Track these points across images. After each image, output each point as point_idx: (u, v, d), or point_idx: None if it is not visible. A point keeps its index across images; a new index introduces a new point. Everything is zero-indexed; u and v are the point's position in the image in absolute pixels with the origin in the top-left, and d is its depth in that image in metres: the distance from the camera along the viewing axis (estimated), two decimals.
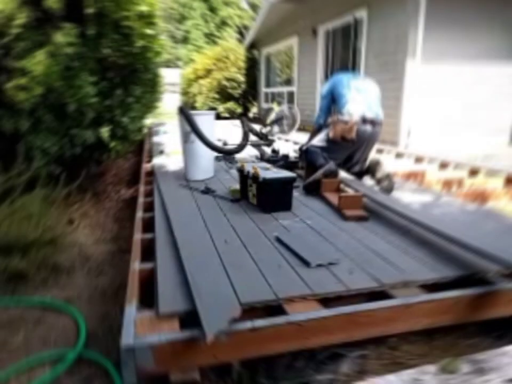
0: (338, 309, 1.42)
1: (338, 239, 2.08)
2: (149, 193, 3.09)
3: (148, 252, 2.05)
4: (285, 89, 10.18)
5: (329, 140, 3.12)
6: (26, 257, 2.16)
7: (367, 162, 3.26)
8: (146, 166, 4.10)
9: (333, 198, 2.72)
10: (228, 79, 12.18)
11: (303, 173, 3.34)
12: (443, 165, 4.29)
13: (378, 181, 3.00)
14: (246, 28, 16.35)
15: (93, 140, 3.44)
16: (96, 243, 2.86)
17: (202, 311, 1.31)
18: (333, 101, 3.26)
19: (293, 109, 4.55)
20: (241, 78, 12.37)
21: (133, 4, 3.42)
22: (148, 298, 1.59)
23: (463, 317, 1.57)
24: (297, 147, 4.21)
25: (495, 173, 3.81)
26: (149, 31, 3.76)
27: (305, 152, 3.28)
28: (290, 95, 9.64)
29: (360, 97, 3.10)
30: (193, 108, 12.59)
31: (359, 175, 3.30)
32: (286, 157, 3.95)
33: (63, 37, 2.88)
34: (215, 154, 3.44)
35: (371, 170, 3.08)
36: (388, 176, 2.98)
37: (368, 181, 3.30)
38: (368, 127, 3.05)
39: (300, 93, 9.01)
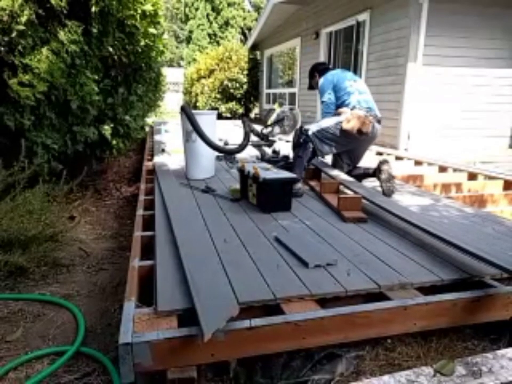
0: (335, 310, 1.44)
1: (336, 240, 2.09)
2: (150, 192, 3.11)
3: (148, 249, 2.06)
4: (286, 91, 10.20)
5: (341, 130, 3.03)
6: (26, 253, 2.17)
7: (377, 162, 3.22)
8: (147, 164, 4.11)
9: (332, 199, 2.73)
10: (230, 80, 12.19)
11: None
12: (442, 168, 4.30)
13: (382, 182, 3.00)
14: (249, 29, 16.35)
15: (95, 137, 3.46)
16: (97, 240, 2.87)
17: (200, 309, 1.32)
18: (336, 99, 3.23)
19: (294, 110, 4.55)
20: (243, 78, 12.39)
21: (137, 2, 3.43)
22: (147, 295, 1.60)
23: (459, 319, 1.58)
24: None
25: (494, 176, 3.82)
26: (152, 30, 3.77)
27: (303, 134, 3.11)
28: (292, 96, 9.66)
29: (361, 98, 3.12)
30: (195, 107, 12.61)
31: (359, 177, 3.30)
32: (286, 157, 3.96)
33: (67, 34, 2.90)
34: (216, 153, 3.45)
35: (379, 168, 3.05)
36: (392, 178, 2.99)
37: (368, 182, 3.31)
38: (375, 124, 3.07)
39: (301, 95, 9.03)
